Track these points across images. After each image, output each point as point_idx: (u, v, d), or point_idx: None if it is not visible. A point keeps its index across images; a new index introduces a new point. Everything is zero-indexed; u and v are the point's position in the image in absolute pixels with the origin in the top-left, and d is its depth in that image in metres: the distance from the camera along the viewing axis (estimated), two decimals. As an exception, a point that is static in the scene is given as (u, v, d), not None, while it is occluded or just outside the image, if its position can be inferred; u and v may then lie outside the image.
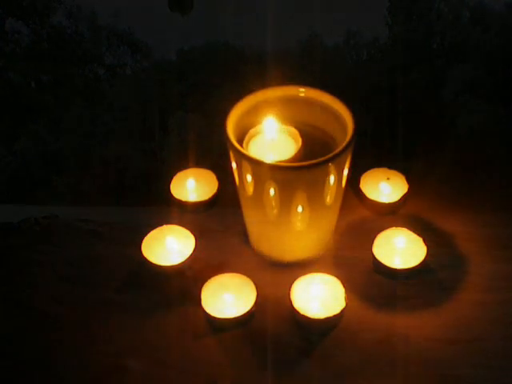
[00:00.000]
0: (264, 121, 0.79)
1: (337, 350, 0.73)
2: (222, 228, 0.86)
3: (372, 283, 0.80)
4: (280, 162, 0.75)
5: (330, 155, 0.71)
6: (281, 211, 0.75)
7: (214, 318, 0.74)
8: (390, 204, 0.87)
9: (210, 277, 0.77)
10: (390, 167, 0.89)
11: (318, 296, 0.76)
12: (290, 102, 0.79)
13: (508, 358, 0.73)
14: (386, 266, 0.79)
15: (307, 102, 0.79)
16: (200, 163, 0.91)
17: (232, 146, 0.73)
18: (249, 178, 0.73)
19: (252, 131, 0.78)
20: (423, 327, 0.75)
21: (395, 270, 0.79)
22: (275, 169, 0.71)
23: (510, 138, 0.96)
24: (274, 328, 0.75)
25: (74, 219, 0.88)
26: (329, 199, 0.76)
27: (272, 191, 0.73)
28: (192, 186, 0.89)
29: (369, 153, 0.84)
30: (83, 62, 1.13)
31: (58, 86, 1.07)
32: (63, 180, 0.91)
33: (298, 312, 0.74)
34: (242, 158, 0.72)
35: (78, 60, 1.12)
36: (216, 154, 0.83)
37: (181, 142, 0.91)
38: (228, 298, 0.76)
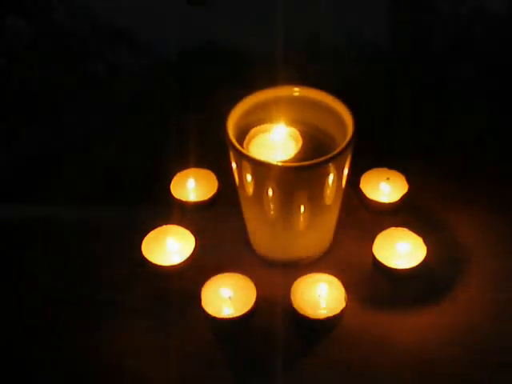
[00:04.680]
0: (266, 121, 0.79)
1: (337, 350, 0.73)
2: (222, 228, 0.86)
3: (372, 283, 0.80)
4: (280, 161, 0.75)
5: (330, 155, 0.71)
6: (281, 211, 0.75)
7: (214, 318, 0.74)
8: (389, 204, 0.87)
9: (209, 277, 0.77)
10: (390, 167, 0.89)
11: (318, 296, 0.76)
12: (291, 102, 0.79)
13: (507, 358, 0.73)
14: (386, 266, 0.79)
15: (307, 102, 0.79)
16: (200, 163, 0.91)
17: (232, 145, 0.73)
18: (249, 177, 0.74)
19: (252, 131, 0.79)
20: (423, 327, 0.75)
21: (395, 269, 0.79)
22: (275, 169, 0.71)
23: (510, 138, 0.96)
24: (274, 328, 0.75)
25: (73, 219, 0.88)
26: (329, 199, 0.76)
27: (272, 191, 0.73)
28: (192, 186, 0.89)
29: (369, 153, 0.84)
30: (83, 60, 1.13)
31: (58, 84, 1.07)
32: (63, 180, 0.91)
33: (297, 312, 0.74)
34: (242, 158, 0.72)
35: (78, 58, 1.12)
36: (216, 154, 0.83)
37: (181, 142, 0.91)
38: (228, 298, 0.76)
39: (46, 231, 0.87)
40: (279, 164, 0.73)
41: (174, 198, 0.88)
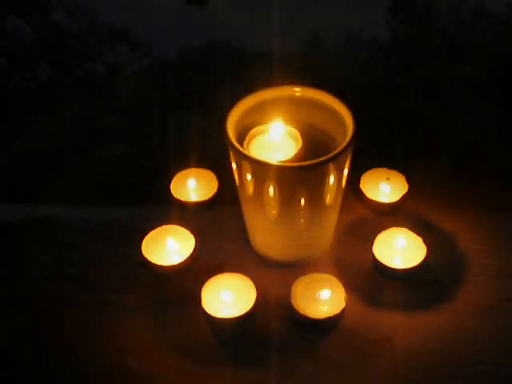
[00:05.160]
0: (266, 121, 0.79)
1: (337, 349, 0.73)
2: (222, 228, 0.86)
3: (372, 283, 0.80)
4: (280, 162, 0.75)
5: (330, 155, 0.71)
6: (281, 211, 0.75)
7: (214, 318, 0.74)
8: (390, 204, 0.87)
9: (210, 277, 0.77)
10: (390, 167, 0.89)
11: (318, 296, 0.76)
12: (291, 102, 0.79)
13: (508, 356, 0.73)
14: (386, 266, 0.79)
15: (307, 102, 0.79)
16: (200, 163, 0.91)
17: (232, 146, 0.73)
18: (249, 177, 0.74)
19: (252, 131, 0.78)
20: (423, 327, 0.75)
21: (395, 269, 0.79)
22: (275, 169, 0.71)
23: (510, 138, 0.95)
24: (274, 328, 0.75)
25: (73, 219, 0.88)
26: (329, 199, 0.76)
27: (272, 191, 0.73)
28: (192, 186, 0.89)
29: (369, 153, 0.84)
30: (83, 60, 1.12)
31: (58, 84, 1.07)
32: (63, 180, 0.91)
33: (297, 312, 0.74)
34: (243, 158, 0.72)
35: (78, 58, 1.12)
36: (216, 154, 0.83)
37: (181, 142, 0.91)
38: (228, 298, 0.76)
39: (46, 231, 0.87)
40: (279, 164, 0.73)
41: (174, 197, 0.88)
